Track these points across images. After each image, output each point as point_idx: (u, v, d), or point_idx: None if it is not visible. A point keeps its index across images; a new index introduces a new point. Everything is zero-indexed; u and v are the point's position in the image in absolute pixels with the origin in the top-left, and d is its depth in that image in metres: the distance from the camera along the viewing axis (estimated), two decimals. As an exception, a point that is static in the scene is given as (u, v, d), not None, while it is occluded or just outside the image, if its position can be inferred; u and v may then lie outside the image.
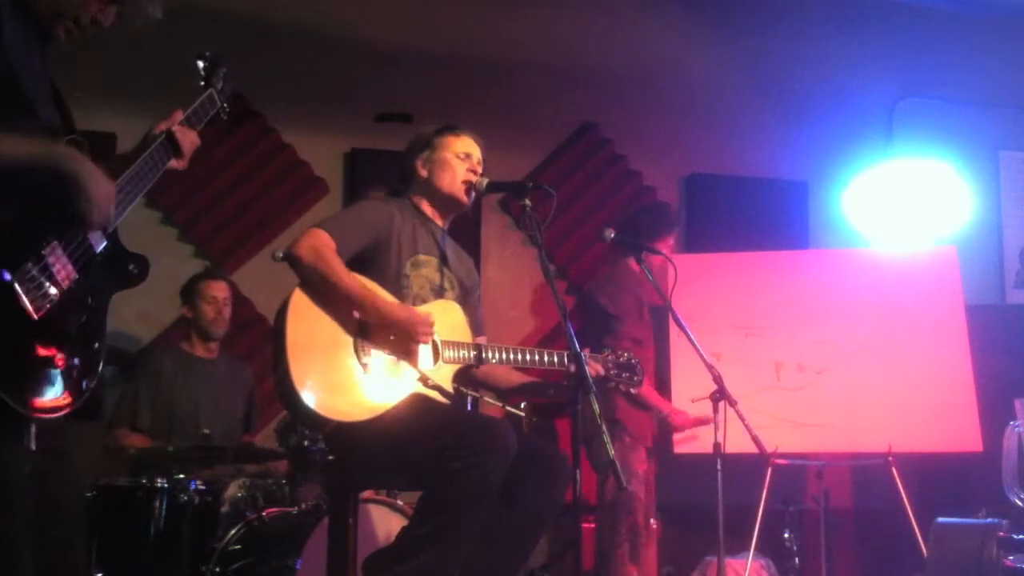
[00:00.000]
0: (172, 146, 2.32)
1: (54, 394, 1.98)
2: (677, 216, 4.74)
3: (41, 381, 1.95)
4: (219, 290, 4.69)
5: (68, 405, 2.01)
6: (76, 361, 2.03)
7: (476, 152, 3.27)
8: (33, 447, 2.00)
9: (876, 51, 6.39)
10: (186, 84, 2.52)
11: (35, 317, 1.91)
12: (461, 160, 3.23)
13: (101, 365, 2.14)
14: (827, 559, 5.01)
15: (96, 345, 2.12)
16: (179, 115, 2.37)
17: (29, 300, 1.90)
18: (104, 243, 2.14)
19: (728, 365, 4.63)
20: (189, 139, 2.37)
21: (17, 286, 1.87)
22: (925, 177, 5.77)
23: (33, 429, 2.00)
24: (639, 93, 6.12)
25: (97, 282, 2.13)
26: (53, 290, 1.96)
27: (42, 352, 1.95)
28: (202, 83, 2.55)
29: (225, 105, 2.59)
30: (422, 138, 3.29)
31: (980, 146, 6.57)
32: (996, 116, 6.63)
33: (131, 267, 2.24)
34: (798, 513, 5.17)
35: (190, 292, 4.67)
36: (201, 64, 2.57)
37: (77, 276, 2.03)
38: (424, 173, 3.24)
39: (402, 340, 2.93)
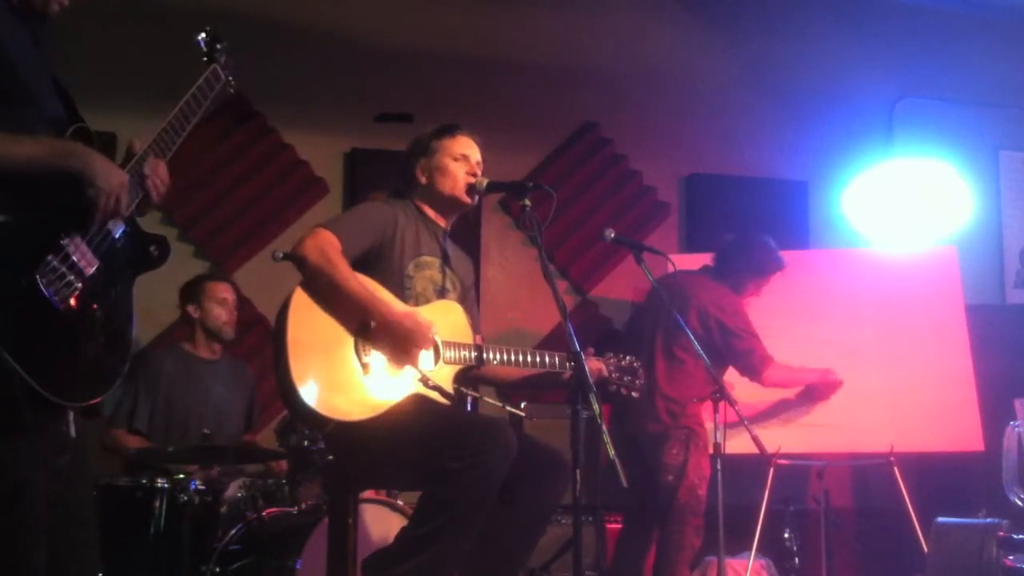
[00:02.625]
0: (140, 182, 2.21)
1: (87, 381, 2.03)
2: (783, 265, 4.76)
3: (73, 369, 1.99)
4: (228, 292, 4.68)
5: (101, 391, 2.05)
6: (105, 346, 2.07)
7: (474, 151, 3.26)
8: (73, 434, 2.04)
9: (876, 51, 6.39)
10: (187, 83, 2.51)
11: (61, 308, 1.95)
12: (460, 163, 3.22)
13: (131, 349, 2.17)
14: (827, 559, 5.01)
15: (124, 329, 2.16)
16: (136, 145, 2.26)
17: (54, 292, 1.93)
18: (123, 228, 2.17)
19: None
20: (159, 175, 2.25)
21: (40, 279, 1.91)
22: (925, 177, 5.77)
23: (71, 416, 2.03)
24: (639, 93, 6.12)
25: (119, 267, 2.16)
26: (77, 280, 2.00)
27: (72, 341, 1.99)
28: (204, 58, 2.54)
29: (230, 79, 2.58)
30: (419, 143, 3.28)
31: (980, 146, 6.57)
32: (996, 116, 6.63)
33: (152, 248, 2.26)
34: (798, 513, 5.17)
35: (196, 293, 4.63)
36: (203, 38, 2.56)
37: (99, 264, 2.06)
38: (424, 180, 3.24)
39: (402, 345, 2.93)
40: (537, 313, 5.73)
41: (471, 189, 3.20)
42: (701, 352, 3.78)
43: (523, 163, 5.87)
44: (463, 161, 3.22)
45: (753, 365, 4.49)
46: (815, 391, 4.84)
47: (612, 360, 3.29)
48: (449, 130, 3.27)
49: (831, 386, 4.81)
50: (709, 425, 4.48)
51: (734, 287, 4.63)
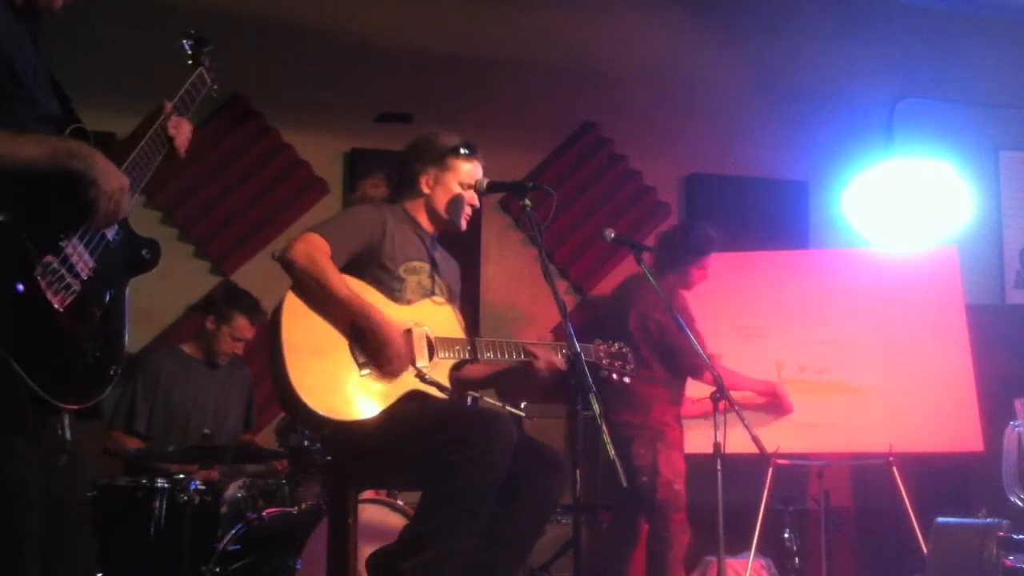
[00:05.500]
0: (166, 140, 2.32)
1: (84, 382, 2.03)
2: (714, 239, 4.73)
3: (70, 371, 2.00)
4: (250, 333, 4.58)
5: (97, 392, 2.06)
6: (101, 348, 2.08)
7: (480, 178, 3.25)
8: (68, 436, 2.05)
9: (876, 51, 6.39)
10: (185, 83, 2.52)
11: (60, 309, 1.95)
12: (466, 190, 3.22)
13: (124, 350, 2.19)
14: (827, 559, 5.01)
15: (119, 331, 2.17)
16: (168, 106, 2.36)
17: (52, 293, 1.94)
18: (117, 230, 2.17)
19: (728, 365, 4.63)
20: (183, 132, 2.36)
21: (40, 280, 1.92)
22: (925, 177, 5.77)
23: (67, 419, 2.03)
24: (639, 93, 6.11)
25: (113, 270, 2.17)
26: (75, 282, 2.00)
27: (69, 342, 2.00)
28: (190, 62, 2.55)
29: (215, 84, 2.59)
30: (434, 151, 3.24)
31: (980, 146, 6.57)
32: (996, 116, 6.63)
33: (144, 252, 2.28)
34: (798, 513, 5.17)
35: (224, 315, 4.55)
36: (187, 43, 2.56)
37: (95, 266, 2.07)
38: (427, 190, 3.23)
39: (381, 358, 2.91)
40: (537, 313, 5.74)
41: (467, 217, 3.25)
42: (701, 351, 3.78)
43: (523, 163, 5.87)
44: (469, 190, 3.22)
45: (696, 366, 4.43)
46: (774, 405, 4.82)
47: (603, 347, 3.31)
48: (468, 151, 3.22)
49: (779, 401, 4.79)
50: (690, 422, 4.51)
51: (681, 278, 4.62)
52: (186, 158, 2.39)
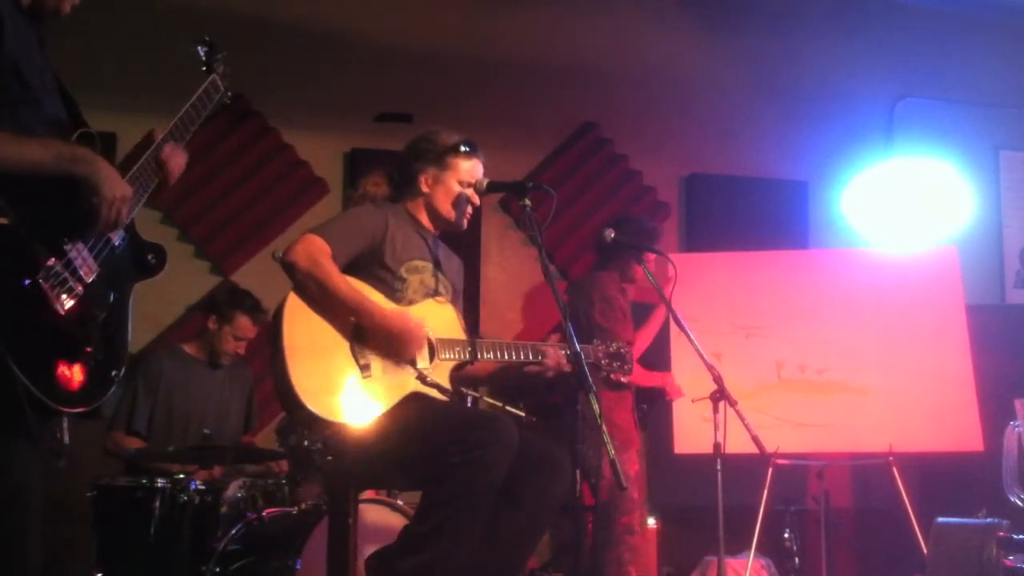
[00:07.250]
0: (158, 169, 2.31)
1: (84, 386, 2.03)
2: (655, 230, 4.77)
3: (71, 374, 1.99)
4: (252, 333, 4.59)
5: (97, 396, 2.06)
6: (103, 353, 2.08)
7: (481, 177, 3.25)
8: (67, 440, 2.05)
9: (876, 51, 6.39)
10: (187, 84, 2.52)
11: (62, 312, 1.96)
12: (466, 188, 3.21)
13: (126, 357, 2.19)
14: (827, 559, 5.01)
15: (121, 336, 2.17)
16: (157, 134, 2.35)
17: (55, 296, 1.95)
18: (123, 235, 2.18)
19: (729, 365, 4.64)
20: (176, 160, 2.35)
21: (43, 283, 1.92)
22: (925, 177, 5.77)
23: (66, 422, 2.04)
24: (639, 93, 6.11)
25: (118, 274, 2.17)
26: (78, 286, 2.01)
27: (71, 346, 2.00)
28: (204, 68, 2.55)
29: (228, 92, 2.59)
30: (434, 150, 3.23)
31: (980, 146, 6.57)
32: (996, 116, 6.63)
33: (149, 257, 2.28)
34: (798, 513, 5.18)
35: (226, 315, 4.55)
36: (202, 50, 2.57)
37: (99, 270, 2.07)
38: (427, 189, 3.23)
39: (394, 346, 2.93)
40: (537, 313, 5.74)
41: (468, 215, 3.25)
42: (701, 351, 3.78)
43: (523, 163, 5.87)
44: (471, 189, 3.22)
45: None
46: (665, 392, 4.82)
47: (601, 348, 3.32)
48: (468, 150, 3.21)
49: (672, 391, 4.77)
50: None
51: (623, 273, 4.62)
52: (173, 183, 2.39)
